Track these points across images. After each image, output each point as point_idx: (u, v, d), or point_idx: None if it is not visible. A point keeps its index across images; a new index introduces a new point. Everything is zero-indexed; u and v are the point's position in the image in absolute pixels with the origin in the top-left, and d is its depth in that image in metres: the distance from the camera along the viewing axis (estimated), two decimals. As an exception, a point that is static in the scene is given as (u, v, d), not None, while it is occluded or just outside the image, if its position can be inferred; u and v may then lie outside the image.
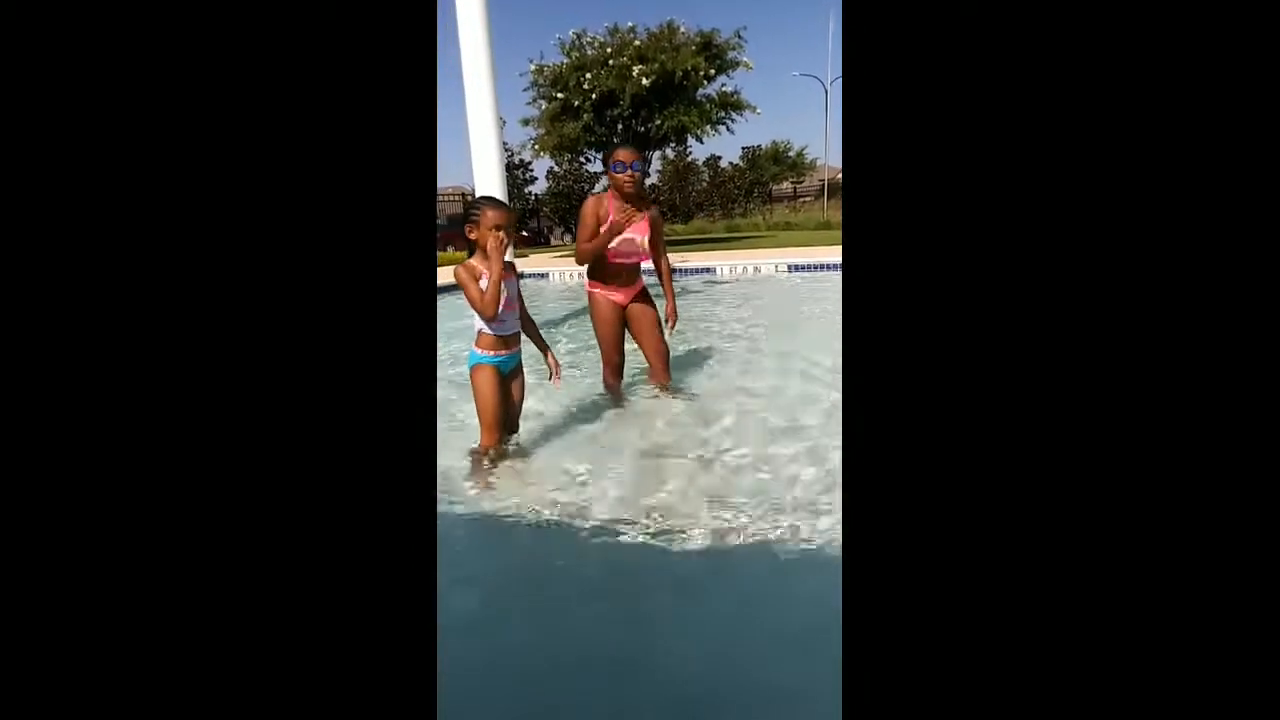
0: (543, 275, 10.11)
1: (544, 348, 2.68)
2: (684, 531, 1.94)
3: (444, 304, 7.71)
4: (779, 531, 1.92)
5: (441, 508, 2.17)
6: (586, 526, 2.03)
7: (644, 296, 3.23)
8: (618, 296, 3.16)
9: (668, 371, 3.30)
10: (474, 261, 2.40)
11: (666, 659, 1.47)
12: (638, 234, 3.04)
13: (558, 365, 2.69)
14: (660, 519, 2.03)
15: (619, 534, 1.96)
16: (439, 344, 5.01)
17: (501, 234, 2.32)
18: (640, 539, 1.93)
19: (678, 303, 3.36)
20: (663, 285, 3.30)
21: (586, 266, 3.13)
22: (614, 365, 3.25)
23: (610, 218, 2.98)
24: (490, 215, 2.34)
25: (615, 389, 3.29)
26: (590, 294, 3.19)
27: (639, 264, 3.19)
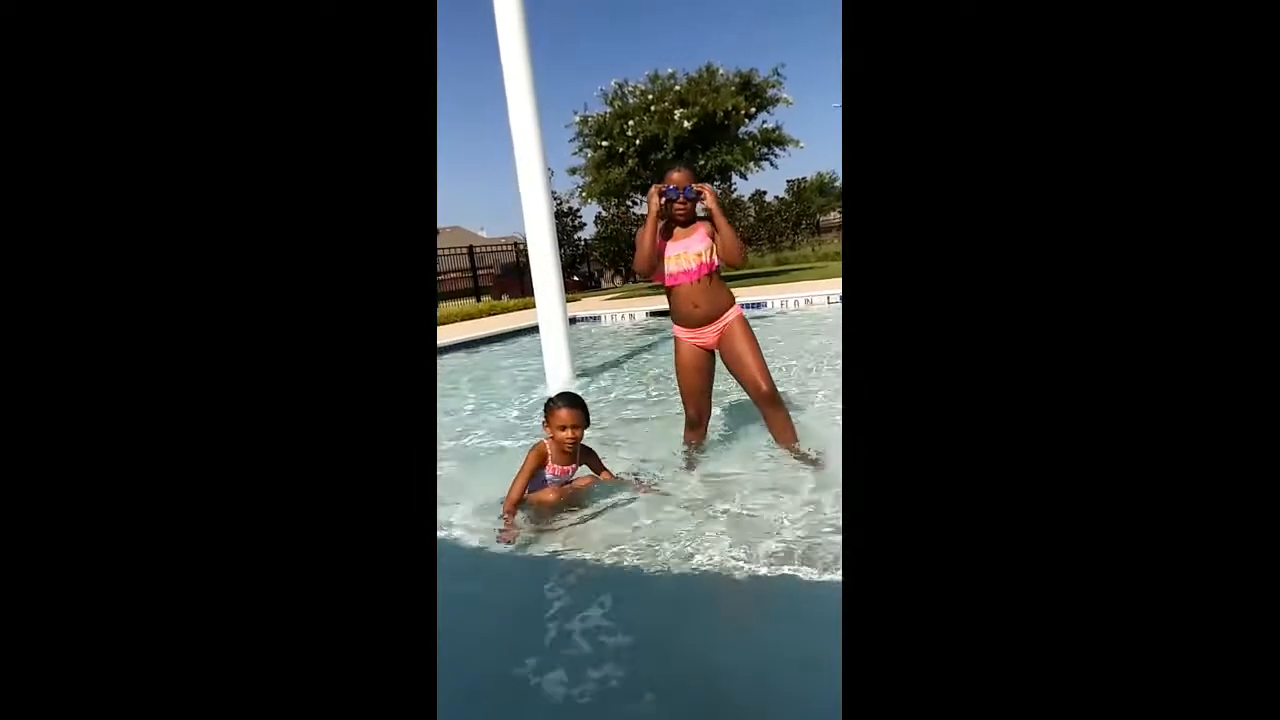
0: (595, 318, 10.26)
1: (631, 481, 2.64)
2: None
3: (481, 356, 7.86)
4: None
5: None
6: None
7: (739, 328, 2.67)
8: (700, 339, 2.68)
9: (776, 403, 2.67)
10: (547, 450, 2.49)
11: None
12: (693, 245, 2.59)
13: (644, 486, 2.61)
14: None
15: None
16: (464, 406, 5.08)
17: (567, 434, 2.43)
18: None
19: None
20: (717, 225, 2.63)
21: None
22: (690, 419, 2.82)
23: (661, 244, 2.61)
24: (560, 415, 2.45)
25: (692, 446, 2.88)
26: (675, 339, 2.77)
27: (713, 278, 2.64)
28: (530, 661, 1.64)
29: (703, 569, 1.99)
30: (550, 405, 2.53)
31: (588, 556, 2.16)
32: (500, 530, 2.38)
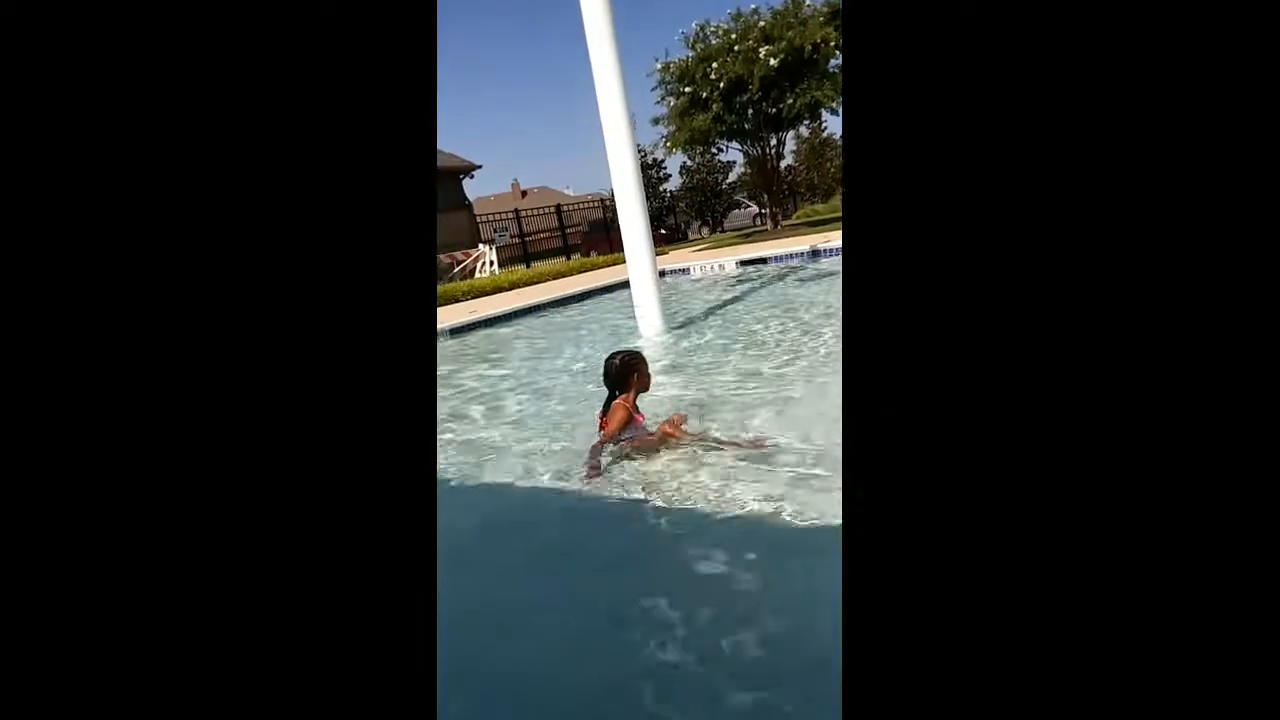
0: (684, 271, 10.16)
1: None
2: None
3: (573, 313, 7.95)
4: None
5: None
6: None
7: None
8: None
9: None
10: (627, 404, 2.70)
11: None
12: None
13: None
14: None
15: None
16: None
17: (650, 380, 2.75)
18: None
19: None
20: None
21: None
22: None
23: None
24: (645, 365, 2.76)
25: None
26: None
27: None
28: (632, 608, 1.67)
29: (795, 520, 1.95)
30: (633, 357, 2.74)
31: (674, 501, 2.17)
32: (589, 473, 2.50)
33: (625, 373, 2.72)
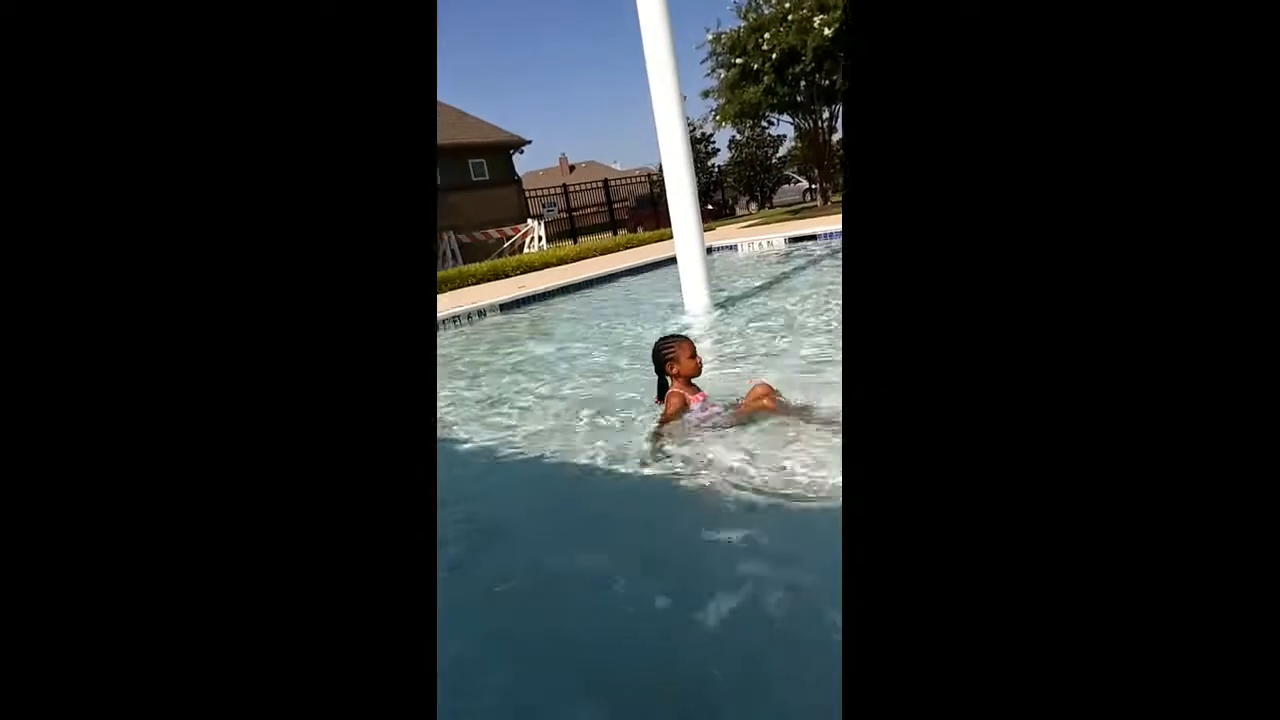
0: (731, 247, 10.06)
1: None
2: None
3: (619, 287, 7.96)
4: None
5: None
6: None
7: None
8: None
9: None
10: (681, 390, 2.72)
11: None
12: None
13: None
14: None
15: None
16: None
17: (696, 360, 2.71)
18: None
19: None
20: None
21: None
22: None
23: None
24: (686, 346, 2.71)
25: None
26: None
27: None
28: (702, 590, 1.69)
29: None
30: (668, 344, 2.71)
31: (734, 481, 2.17)
32: (651, 454, 2.51)
33: (660, 361, 2.72)
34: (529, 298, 7.46)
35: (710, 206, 22.03)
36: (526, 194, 18.55)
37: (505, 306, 7.12)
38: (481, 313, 6.88)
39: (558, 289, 7.83)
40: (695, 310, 5.41)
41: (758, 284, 6.53)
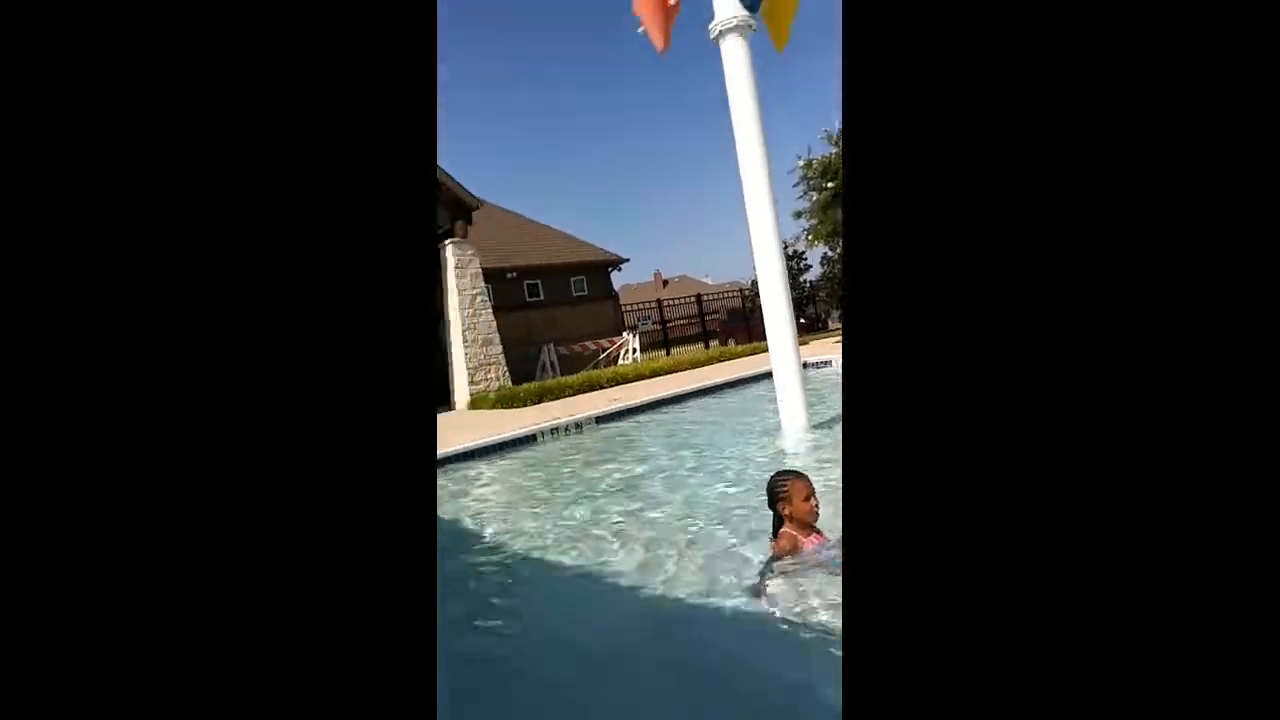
0: (826, 363, 9.92)
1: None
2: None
3: (714, 403, 7.88)
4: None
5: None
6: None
7: None
8: None
9: None
10: (793, 532, 2.52)
11: None
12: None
13: None
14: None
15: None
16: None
17: (811, 502, 2.46)
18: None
19: None
20: None
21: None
22: None
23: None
24: (801, 485, 2.50)
25: None
26: None
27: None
28: None
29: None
30: (782, 482, 2.52)
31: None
32: (755, 589, 2.39)
33: (774, 498, 2.55)
34: (623, 411, 7.55)
35: (802, 320, 22.04)
36: (623, 308, 19.26)
37: (603, 419, 7.22)
38: (578, 425, 7.00)
39: (652, 402, 7.90)
40: (794, 430, 5.29)
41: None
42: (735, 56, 5.16)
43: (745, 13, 5.00)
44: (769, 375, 5.63)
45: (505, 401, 9.32)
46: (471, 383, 10.59)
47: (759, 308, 5.56)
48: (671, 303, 20.48)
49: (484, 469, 5.63)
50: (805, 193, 15.29)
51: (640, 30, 4.38)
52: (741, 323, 20.02)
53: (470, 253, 10.99)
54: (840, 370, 9.24)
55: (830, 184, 14.38)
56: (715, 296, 23.86)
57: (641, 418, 7.40)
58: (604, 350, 15.18)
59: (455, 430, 7.20)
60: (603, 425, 7.11)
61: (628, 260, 19.70)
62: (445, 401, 10.75)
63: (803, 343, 12.24)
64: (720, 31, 5.13)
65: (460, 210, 11.04)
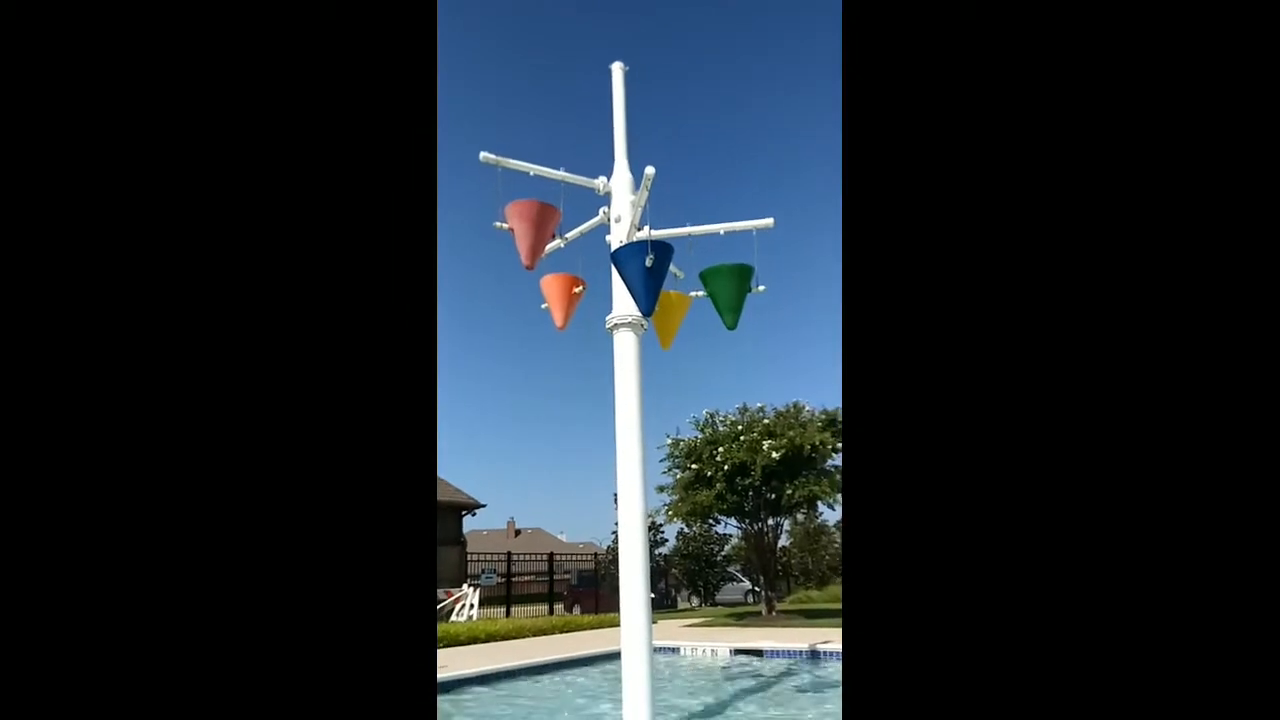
0: (673, 650, 9.50)
1: None
2: None
3: (549, 683, 7.24)
4: None
5: None
6: None
7: None
8: None
9: None
10: None
11: None
12: None
13: None
14: None
15: None
16: None
17: None
18: None
19: None
20: None
21: None
22: None
23: None
24: None
25: None
26: None
27: None
28: None
29: None
30: None
31: None
32: None
33: None
34: (446, 682, 6.68)
35: (652, 595, 21.51)
36: (469, 557, 18.10)
37: (419, 690, 6.30)
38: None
39: (477, 676, 7.08)
40: (633, 730, 4.83)
41: (700, 705, 5.99)
42: (625, 346, 5.71)
43: (638, 314, 5.67)
44: (616, 655, 5.27)
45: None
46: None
47: (611, 575, 5.40)
48: (522, 557, 19.54)
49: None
50: (670, 469, 15.98)
51: (544, 307, 4.83)
52: (592, 588, 19.21)
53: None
54: (686, 661, 8.87)
55: (694, 465, 15.18)
56: (568, 556, 23.09)
57: (461, 693, 6.54)
58: (440, 603, 13.85)
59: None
60: (420, 698, 6.18)
61: (484, 505, 19.08)
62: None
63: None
64: (615, 324, 5.73)
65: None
